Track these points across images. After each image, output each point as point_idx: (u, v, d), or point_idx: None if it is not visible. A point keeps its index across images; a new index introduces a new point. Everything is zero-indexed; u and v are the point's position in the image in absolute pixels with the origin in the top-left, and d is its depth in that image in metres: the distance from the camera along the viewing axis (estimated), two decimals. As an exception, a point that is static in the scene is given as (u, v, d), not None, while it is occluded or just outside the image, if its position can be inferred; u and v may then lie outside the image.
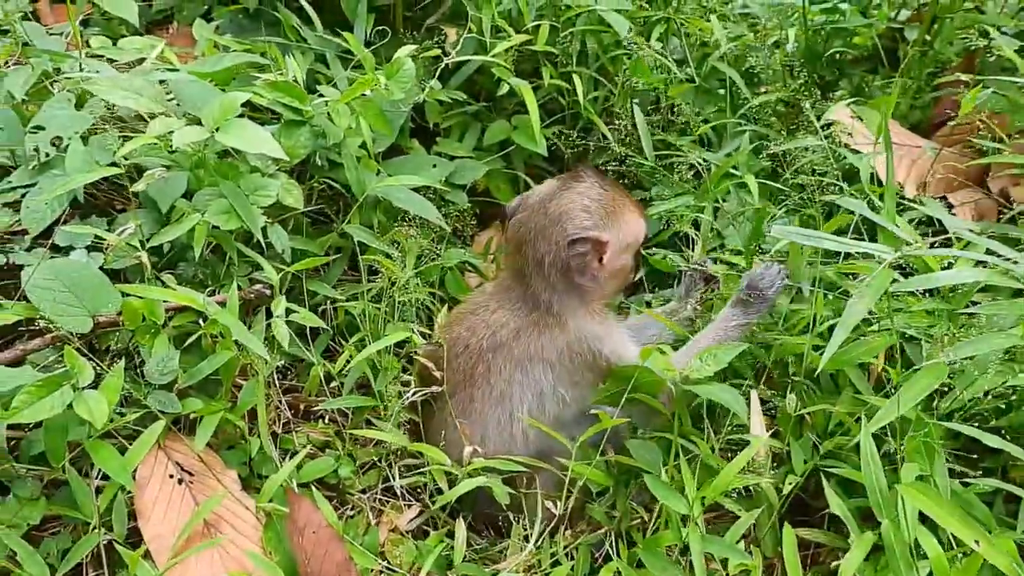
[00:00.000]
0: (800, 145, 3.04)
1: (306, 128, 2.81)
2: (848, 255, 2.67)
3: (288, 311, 2.62)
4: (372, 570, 2.32)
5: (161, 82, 2.83)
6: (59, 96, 2.87)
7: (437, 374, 2.57)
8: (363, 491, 2.66)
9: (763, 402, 2.54)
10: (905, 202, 2.93)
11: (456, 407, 2.59)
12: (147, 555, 2.21)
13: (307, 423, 2.79)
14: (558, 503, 2.43)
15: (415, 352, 2.71)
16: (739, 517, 2.34)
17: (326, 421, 2.77)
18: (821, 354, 2.07)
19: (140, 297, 2.35)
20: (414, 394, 2.60)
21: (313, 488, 2.40)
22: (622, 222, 2.60)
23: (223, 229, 2.56)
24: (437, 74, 3.36)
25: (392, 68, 2.98)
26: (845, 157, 2.98)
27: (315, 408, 2.79)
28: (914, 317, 2.37)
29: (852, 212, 2.57)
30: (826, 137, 2.99)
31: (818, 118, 3.02)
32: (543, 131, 3.66)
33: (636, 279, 2.92)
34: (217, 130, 2.50)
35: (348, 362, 2.76)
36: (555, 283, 2.56)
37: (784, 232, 2.16)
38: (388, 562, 2.41)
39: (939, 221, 2.69)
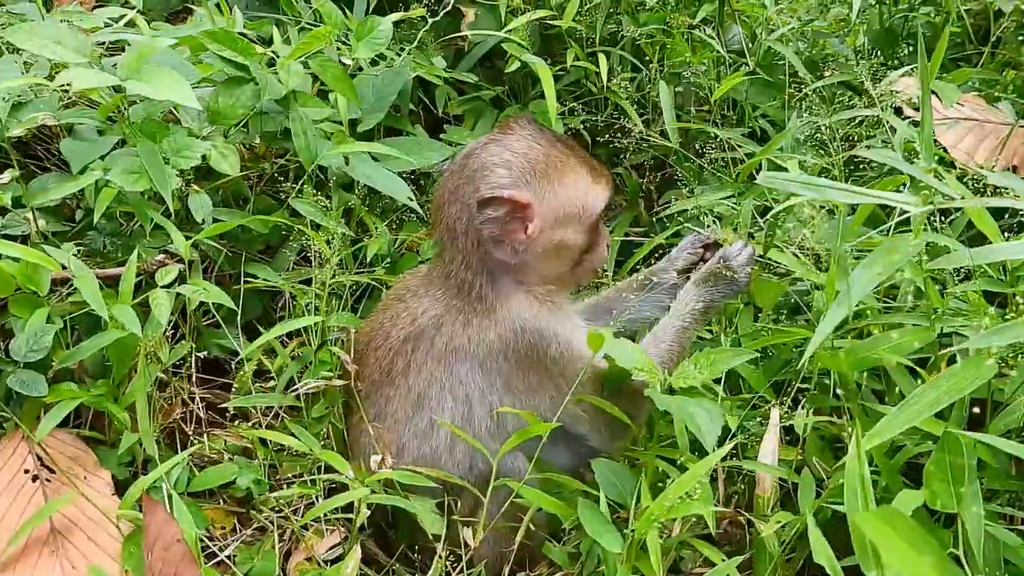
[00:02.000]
0: (847, 116, 2.47)
1: (249, 86, 2.43)
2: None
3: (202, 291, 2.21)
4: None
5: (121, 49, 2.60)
6: (6, 58, 2.66)
7: (350, 368, 2.11)
8: (277, 510, 2.20)
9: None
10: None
11: (372, 409, 2.12)
12: None
13: (233, 427, 2.37)
14: (476, 533, 1.91)
15: (338, 342, 2.27)
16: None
17: (250, 425, 2.33)
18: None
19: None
20: (301, 387, 2.14)
21: (173, 495, 1.93)
22: (558, 183, 2.03)
23: (129, 191, 2.21)
24: (438, 48, 2.98)
25: (363, 28, 2.60)
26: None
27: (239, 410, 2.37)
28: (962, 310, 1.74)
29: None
30: (886, 109, 2.41)
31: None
32: (569, 119, 3.23)
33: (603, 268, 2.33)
34: (128, 79, 2.17)
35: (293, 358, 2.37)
36: (470, 258, 2.03)
37: (772, 180, 1.62)
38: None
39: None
